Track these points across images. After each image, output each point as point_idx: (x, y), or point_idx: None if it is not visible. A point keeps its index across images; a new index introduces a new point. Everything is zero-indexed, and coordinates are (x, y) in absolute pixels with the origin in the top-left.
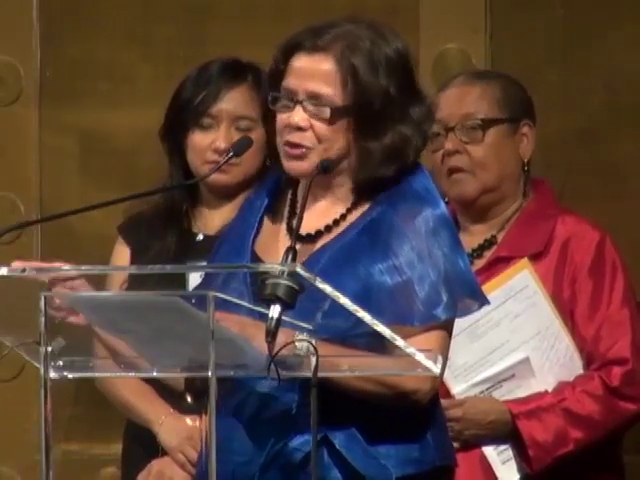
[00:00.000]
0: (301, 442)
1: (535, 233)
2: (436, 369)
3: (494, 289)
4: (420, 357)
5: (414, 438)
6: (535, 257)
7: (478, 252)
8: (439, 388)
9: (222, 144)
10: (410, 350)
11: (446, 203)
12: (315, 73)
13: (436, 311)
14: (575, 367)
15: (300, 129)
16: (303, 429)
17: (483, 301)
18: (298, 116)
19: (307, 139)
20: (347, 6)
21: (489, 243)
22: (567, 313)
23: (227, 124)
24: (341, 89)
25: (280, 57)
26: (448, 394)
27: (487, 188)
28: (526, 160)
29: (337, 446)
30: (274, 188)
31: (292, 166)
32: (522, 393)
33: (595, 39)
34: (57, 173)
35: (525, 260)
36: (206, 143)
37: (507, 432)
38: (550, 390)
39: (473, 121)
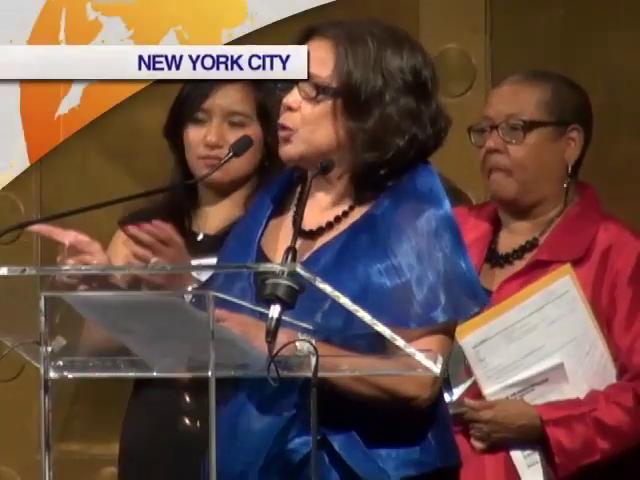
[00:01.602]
0: (300, 443)
1: (577, 238)
2: (436, 369)
3: (534, 293)
4: (420, 357)
5: (415, 440)
6: (575, 263)
7: (519, 253)
8: (441, 391)
9: (213, 138)
10: (410, 350)
11: (486, 202)
12: (314, 56)
13: (434, 314)
14: (608, 376)
15: (290, 109)
16: (302, 431)
17: (483, 302)
18: (292, 97)
19: (291, 120)
20: (347, 6)
21: (530, 245)
22: (604, 321)
23: (219, 119)
24: (332, 74)
25: (296, 43)
26: (480, 395)
27: (525, 189)
28: (571, 164)
29: (336, 448)
30: (285, 184)
31: (281, 151)
32: (554, 398)
33: (595, 39)
34: (57, 173)
35: (568, 266)
36: (199, 138)
37: (536, 437)
38: (582, 397)
39: (516, 121)
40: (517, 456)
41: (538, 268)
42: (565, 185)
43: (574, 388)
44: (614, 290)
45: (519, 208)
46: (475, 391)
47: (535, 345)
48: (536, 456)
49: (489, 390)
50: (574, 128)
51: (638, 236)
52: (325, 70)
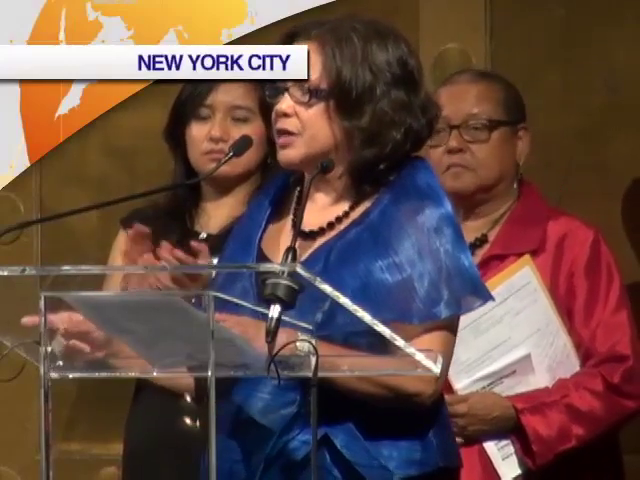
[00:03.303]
0: (303, 440)
1: (529, 231)
2: (436, 369)
3: (497, 285)
4: (420, 357)
5: (416, 439)
6: (530, 255)
7: (470, 250)
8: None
9: (217, 133)
10: (410, 350)
11: None
12: None
13: (436, 309)
14: (572, 365)
15: (286, 115)
16: (304, 429)
17: (486, 297)
18: (285, 103)
19: (292, 125)
20: (347, 6)
21: (480, 242)
22: (564, 310)
23: (223, 114)
24: (322, 76)
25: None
26: (450, 389)
27: (484, 186)
28: (521, 163)
29: (338, 446)
30: (282, 186)
31: (281, 156)
32: (521, 389)
33: (595, 39)
34: (57, 173)
35: (527, 257)
36: (203, 134)
37: (511, 427)
38: (549, 387)
39: (479, 121)
40: (491, 449)
41: (493, 262)
42: (515, 184)
43: (540, 379)
44: (571, 279)
45: (472, 204)
46: (447, 386)
47: (502, 337)
48: (510, 448)
49: (460, 385)
50: (522, 127)
51: (588, 225)
52: (314, 72)
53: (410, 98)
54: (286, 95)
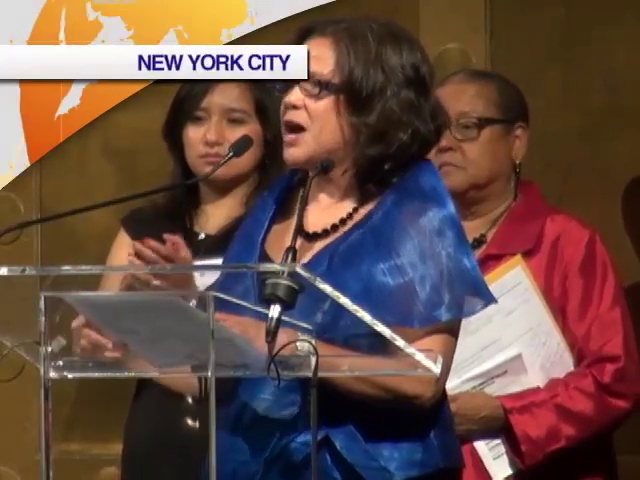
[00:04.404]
0: (304, 441)
1: (525, 231)
2: (436, 369)
3: (488, 285)
4: (420, 357)
5: (417, 439)
6: (526, 254)
7: None
8: (444, 390)
9: (212, 136)
10: (410, 350)
11: None
12: (315, 54)
13: (437, 312)
14: (566, 365)
15: (295, 107)
16: (305, 429)
17: (489, 300)
18: (294, 95)
19: (300, 117)
20: (347, 6)
21: (478, 242)
22: (558, 310)
23: (218, 117)
24: (334, 71)
25: (294, 41)
26: None
27: (476, 185)
28: (518, 162)
29: (338, 447)
30: (286, 186)
31: (287, 154)
32: (514, 389)
33: (595, 39)
34: (57, 173)
35: (518, 257)
36: (199, 136)
37: (500, 427)
38: (541, 387)
39: (468, 119)
40: (482, 449)
41: (489, 262)
42: (512, 183)
43: (533, 379)
44: (566, 279)
45: (466, 203)
46: None
47: (492, 337)
48: (501, 448)
49: (449, 385)
50: (519, 126)
51: (585, 225)
52: (326, 67)
53: (420, 101)
54: (296, 88)
